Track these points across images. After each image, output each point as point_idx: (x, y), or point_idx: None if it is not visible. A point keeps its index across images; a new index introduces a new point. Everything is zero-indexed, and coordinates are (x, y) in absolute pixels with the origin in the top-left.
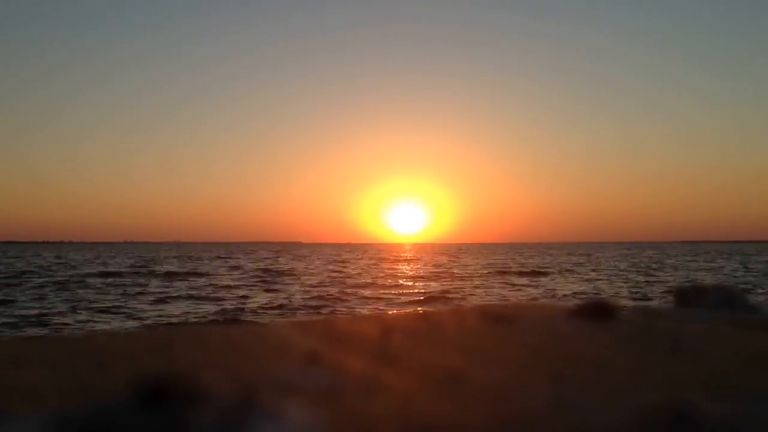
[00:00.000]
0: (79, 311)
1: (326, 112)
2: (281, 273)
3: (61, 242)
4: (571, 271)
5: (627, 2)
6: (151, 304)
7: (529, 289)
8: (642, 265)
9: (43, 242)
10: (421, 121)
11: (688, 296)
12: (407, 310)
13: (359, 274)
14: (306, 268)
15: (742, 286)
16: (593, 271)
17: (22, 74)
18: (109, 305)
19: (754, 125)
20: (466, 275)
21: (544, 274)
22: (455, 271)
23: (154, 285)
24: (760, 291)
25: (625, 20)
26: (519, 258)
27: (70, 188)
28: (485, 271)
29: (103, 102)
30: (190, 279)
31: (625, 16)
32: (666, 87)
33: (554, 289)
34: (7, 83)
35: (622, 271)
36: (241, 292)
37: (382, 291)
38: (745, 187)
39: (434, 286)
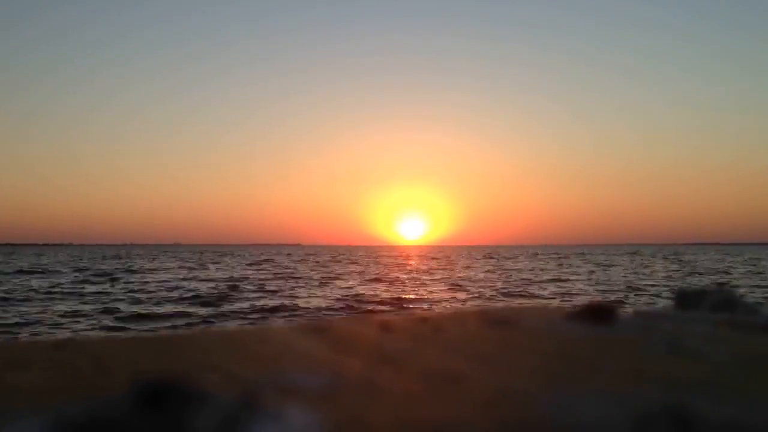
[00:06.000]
0: None
1: (327, 116)
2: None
3: (61, 244)
4: None
5: (637, 3)
6: None
7: None
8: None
9: (44, 245)
10: (425, 126)
11: (688, 298)
12: (408, 313)
13: None
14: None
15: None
16: None
17: (25, 76)
18: None
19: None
20: None
21: None
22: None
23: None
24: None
25: (632, 22)
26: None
27: (71, 192)
28: None
29: (105, 104)
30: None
31: (630, 18)
32: (665, 91)
33: None
34: (8, 85)
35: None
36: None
37: None
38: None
39: None
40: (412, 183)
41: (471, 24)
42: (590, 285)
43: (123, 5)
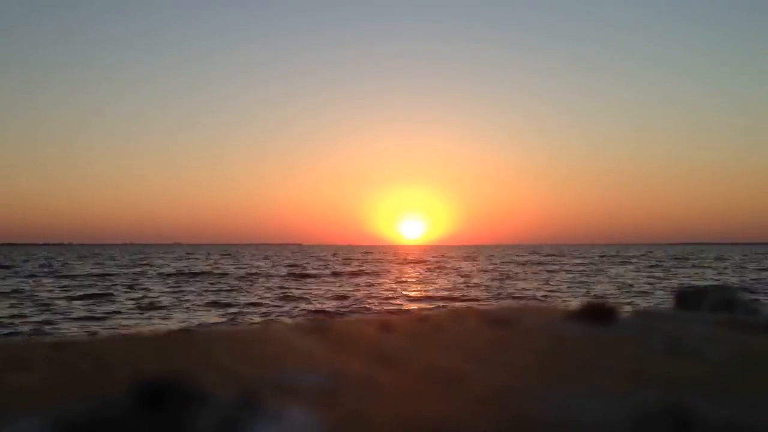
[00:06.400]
0: None
1: (328, 119)
2: None
3: (61, 244)
4: None
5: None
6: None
7: None
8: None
9: (44, 244)
10: (426, 129)
11: (687, 298)
12: (408, 312)
13: None
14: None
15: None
16: None
17: (24, 76)
18: None
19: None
20: None
21: None
22: None
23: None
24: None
25: (630, 19)
26: None
27: (70, 191)
28: None
29: (105, 104)
30: None
31: (628, 20)
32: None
33: None
34: (8, 84)
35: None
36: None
37: None
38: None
39: None
40: (413, 184)
41: (470, 28)
42: None
43: (125, 7)
